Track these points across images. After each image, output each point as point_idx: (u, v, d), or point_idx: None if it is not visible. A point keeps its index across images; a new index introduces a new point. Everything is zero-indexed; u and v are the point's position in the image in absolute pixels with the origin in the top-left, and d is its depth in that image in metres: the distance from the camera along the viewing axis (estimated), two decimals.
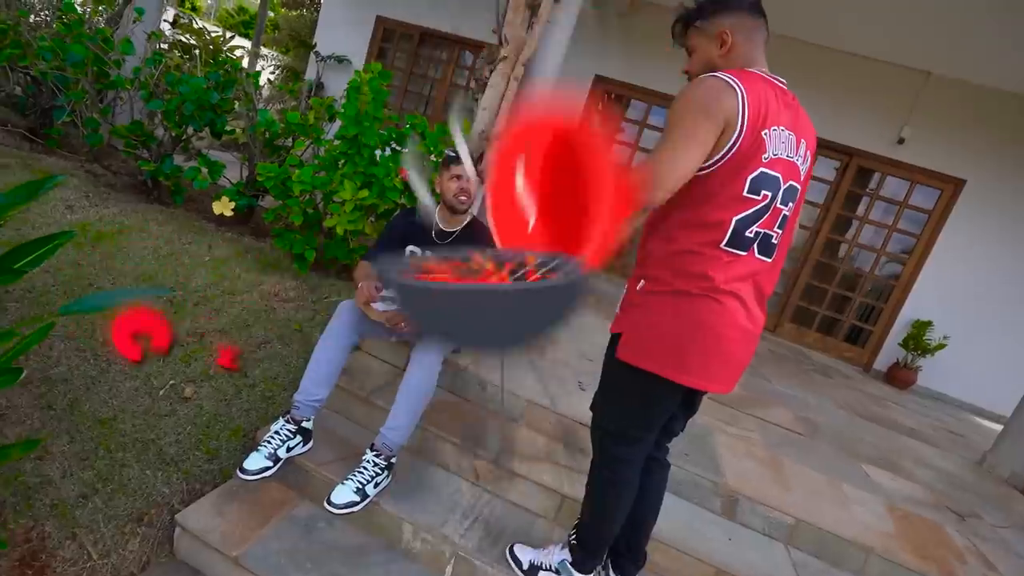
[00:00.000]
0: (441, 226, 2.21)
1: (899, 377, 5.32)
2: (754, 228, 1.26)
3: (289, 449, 1.85)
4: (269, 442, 1.81)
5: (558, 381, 2.61)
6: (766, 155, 1.22)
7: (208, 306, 2.62)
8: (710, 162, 1.21)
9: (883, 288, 5.59)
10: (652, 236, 1.33)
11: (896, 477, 2.80)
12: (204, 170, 3.00)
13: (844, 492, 2.42)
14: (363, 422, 2.22)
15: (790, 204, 1.31)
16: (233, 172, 3.56)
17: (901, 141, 5.10)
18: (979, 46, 4.33)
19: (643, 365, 1.32)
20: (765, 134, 1.20)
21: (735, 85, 1.18)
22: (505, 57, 3.35)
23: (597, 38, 5.75)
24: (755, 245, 1.27)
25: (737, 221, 1.24)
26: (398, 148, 3.04)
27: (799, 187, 1.33)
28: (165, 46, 4.52)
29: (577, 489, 2.02)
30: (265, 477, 1.76)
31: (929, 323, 5.26)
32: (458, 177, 2.09)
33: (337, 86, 6.66)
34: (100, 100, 3.36)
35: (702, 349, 1.28)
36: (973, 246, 5.17)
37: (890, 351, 5.49)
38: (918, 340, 5.21)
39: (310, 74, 6.77)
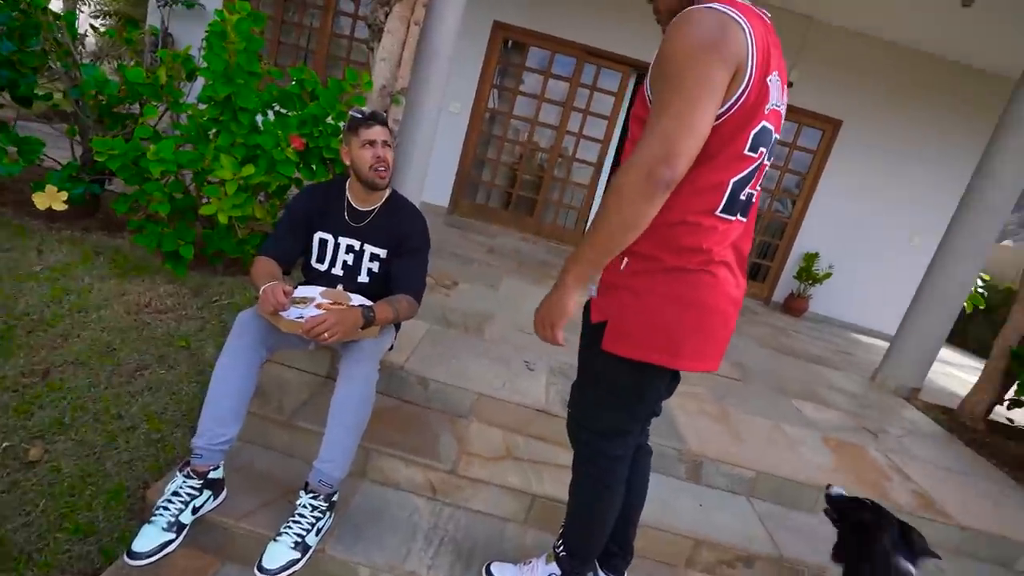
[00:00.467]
0: (355, 204, 1.82)
1: (794, 306, 5.83)
2: (747, 189, 1.11)
3: (196, 510, 1.46)
4: (166, 508, 1.40)
5: (502, 363, 2.39)
6: (768, 105, 1.05)
7: (50, 332, 2.02)
8: (718, 112, 1.00)
9: (777, 226, 5.99)
10: None
11: (819, 407, 3.01)
12: (12, 150, 2.25)
13: (787, 434, 2.52)
14: (286, 450, 1.85)
15: (771, 158, 1.17)
16: (60, 150, 2.77)
17: (790, 85, 5.33)
18: None
19: (636, 355, 1.15)
20: (770, 80, 1.03)
21: (741, 21, 0.97)
22: None
23: None
24: (740, 208, 1.13)
25: (734, 183, 1.08)
26: (283, 111, 2.50)
27: (778, 136, 1.18)
28: None
29: (546, 485, 1.86)
30: (168, 554, 1.36)
31: (816, 255, 5.76)
32: (371, 143, 1.71)
33: (190, 36, 5.55)
34: None
35: (697, 329, 1.14)
36: (851, 181, 5.66)
37: (785, 283, 5.97)
38: (808, 271, 5.70)
39: (152, 21, 5.57)
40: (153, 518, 1.39)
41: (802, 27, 5.24)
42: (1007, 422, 3.46)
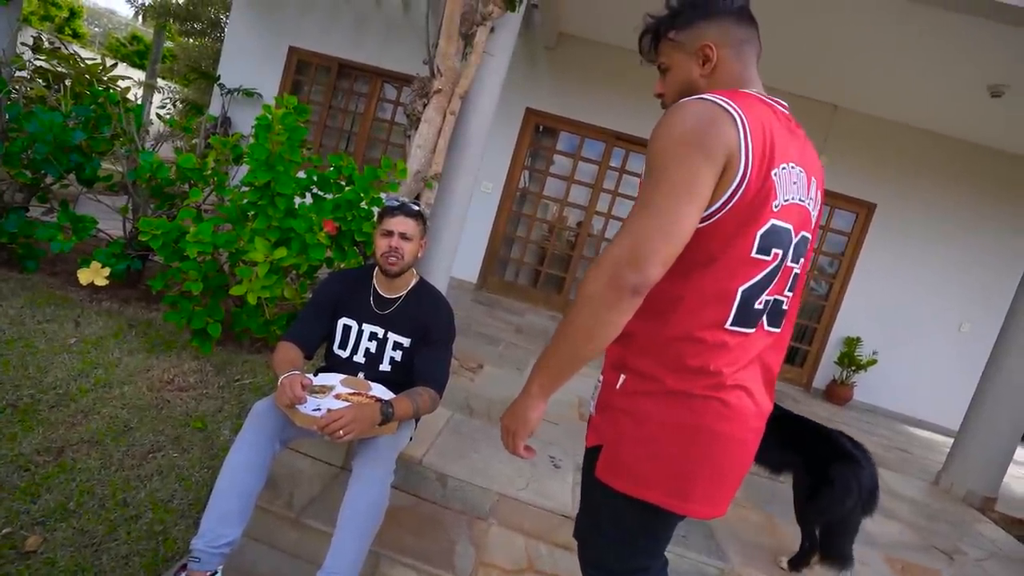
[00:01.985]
0: (381, 291, 1.81)
1: (838, 394, 5.48)
2: (763, 297, 0.97)
3: None
4: None
5: (526, 460, 2.24)
6: (777, 202, 0.93)
7: (72, 407, 2.00)
8: (708, 212, 0.91)
9: (815, 308, 5.78)
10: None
11: (880, 518, 2.69)
12: (67, 228, 2.37)
13: None
14: (293, 550, 1.72)
15: (801, 260, 1.03)
16: (115, 222, 2.92)
17: None
18: (881, 83, 4.63)
19: (632, 491, 0.99)
20: (775, 174, 0.92)
21: (732, 110, 0.88)
22: (440, 90, 3.04)
23: (526, 70, 5.65)
24: (764, 317, 0.99)
25: (744, 291, 0.94)
26: (320, 194, 2.60)
27: (810, 237, 1.05)
28: (23, 73, 3.77)
29: None
30: None
31: (858, 339, 5.48)
32: (389, 233, 1.72)
33: (246, 122, 6.03)
34: None
35: (706, 467, 0.97)
36: (890, 264, 5.49)
37: (826, 369, 5.66)
38: (851, 356, 5.40)
39: (214, 109, 6.09)
40: None
41: (827, 113, 5.33)
42: None
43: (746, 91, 0.99)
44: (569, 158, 5.90)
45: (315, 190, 2.59)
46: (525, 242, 6.10)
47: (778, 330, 1.04)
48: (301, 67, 6.19)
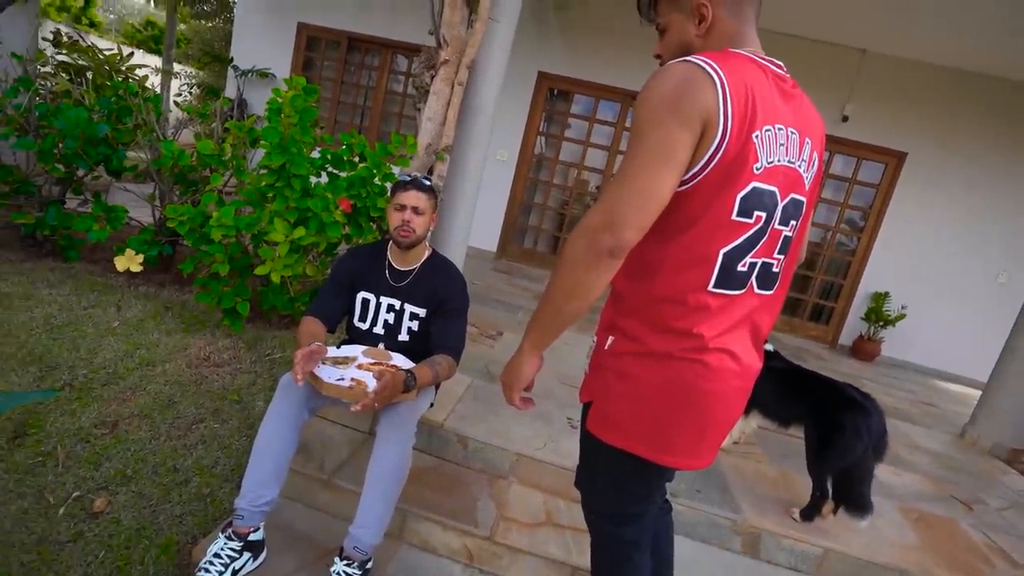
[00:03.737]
0: (395, 265, 1.88)
1: (864, 350, 5.40)
2: (747, 259, 0.98)
3: (235, 572, 1.48)
4: (207, 570, 1.43)
5: (544, 420, 2.33)
6: (759, 164, 0.93)
7: (121, 384, 2.17)
8: (688, 175, 0.92)
9: (840, 264, 5.65)
10: (622, 274, 1.01)
11: (897, 470, 2.72)
12: (101, 218, 2.51)
13: None
14: (327, 509, 1.86)
15: (793, 223, 1.03)
16: (145, 208, 3.05)
17: (845, 119, 5.13)
18: (910, 23, 4.36)
19: (618, 443, 1.05)
20: (756, 136, 0.91)
21: (713, 72, 0.88)
22: (447, 60, 3.02)
23: (535, 34, 5.51)
24: (752, 279, 1.01)
25: (725, 254, 0.96)
26: (335, 172, 2.66)
27: (804, 200, 1.05)
28: (47, 68, 3.89)
29: (586, 556, 1.75)
30: None
31: (886, 294, 5.36)
32: (401, 207, 1.77)
33: (261, 102, 6.09)
34: None
35: (687, 424, 1.03)
36: (920, 216, 5.29)
37: (852, 325, 5.57)
38: (879, 312, 5.29)
39: (230, 91, 6.17)
40: None
41: (855, 59, 5.06)
42: None
43: (738, 51, 0.98)
44: (584, 121, 5.80)
45: (329, 168, 2.65)
46: (543, 209, 6.09)
47: (770, 292, 1.06)
48: (311, 43, 6.17)
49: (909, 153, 5.23)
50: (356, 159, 2.64)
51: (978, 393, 3.86)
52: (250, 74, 6.06)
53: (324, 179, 2.62)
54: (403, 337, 1.87)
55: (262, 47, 6.10)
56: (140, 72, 4.05)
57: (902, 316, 5.26)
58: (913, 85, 5.08)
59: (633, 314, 1.03)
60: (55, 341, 2.27)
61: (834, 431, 1.88)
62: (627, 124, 5.68)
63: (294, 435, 1.59)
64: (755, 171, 0.94)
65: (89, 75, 3.68)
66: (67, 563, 1.60)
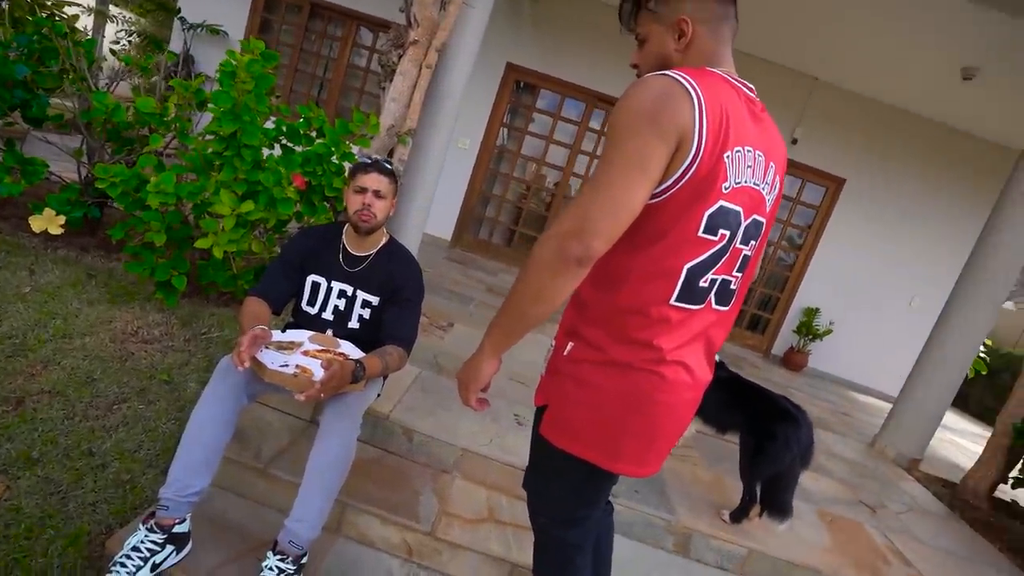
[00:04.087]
0: (350, 249, 1.80)
1: (794, 361, 5.76)
2: (709, 275, 1.01)
3: (155, 567, 1.38)
4: (123, 565, 1.32)
5: (491, 416, 2.33)
6: (727, 184, 0.95)
7: (30, 357, 1.97)
8: (660, 188, 0.93)
9: (779, 279, 5.98)
10: (587, 282, 1.01)
11: (816, 475, 2.91)
12: (15, 170, 2.25)
13: None
14: (261, 499, 1.77)
15: (752, 243, 1.07)
16: (67, 163, 2.77)
17: (794, 141, 5.41)
18: (859, 59, 4.65)
19: (570, 448, 1.07)
20: (727, 157, 0.93)
21: (691, 89, 0.89)
22: (416, 41, 2.93)
23: (509, 24, 5.45)
24: (712, 294, 1.04)
25: (689, 269, 0.98)
26: (289, 146, 2.52)
27: (764, 221, 1.08)
28: None
29: (527, 553, 1.77)
30: None
31: (817, 310, 5.73)
32: (362, 190, 1.70)
33: (210, 61, 5.68)
34: None
35: (639, 433, 1.05)
36: (851, 238, 5.68)
37: (785, 337, 5.92)
38: (809, 326, 5.66)
39: (175, 45, 5.71)
40: (110, 572, 1.31)
41: (807, 86, 5.34)
42: (1011, 502, 3.35)
43: (714, 70, 1.00)
44: (549, 117, 5.80)
45: (284, 141, 2.50)
46: (501, 201, 6.06)
47: (726, 308, 1.09)
48: (270, 5, 5.82)
49: (848, 179, 5.59)
50: (313, 134, 2.51)
51: (886, 405, 4.21)
52: (200, 29, 5.64)
53: (277, 152, 2.48)
54: (353, 324, 1.80)
55: (215, 1, 5.68)
56: (69, 11, 3.67)
57: (829, 331, 5.64)
58: (858, 116, 5.43)
59: (596, 323, 1.03)
60: None
61: (767, 439, 1.98)
62: (591, 124, 5.74)
63: (230, 421, 1.49)
64: (723, 190, 0.96)
65: (4, 5, 3.29)
66: None
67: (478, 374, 1.05)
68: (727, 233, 1.00)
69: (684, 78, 0.91)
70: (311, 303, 1.80)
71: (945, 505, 3.09)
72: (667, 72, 0.93)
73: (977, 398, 8.05)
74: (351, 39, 5.77)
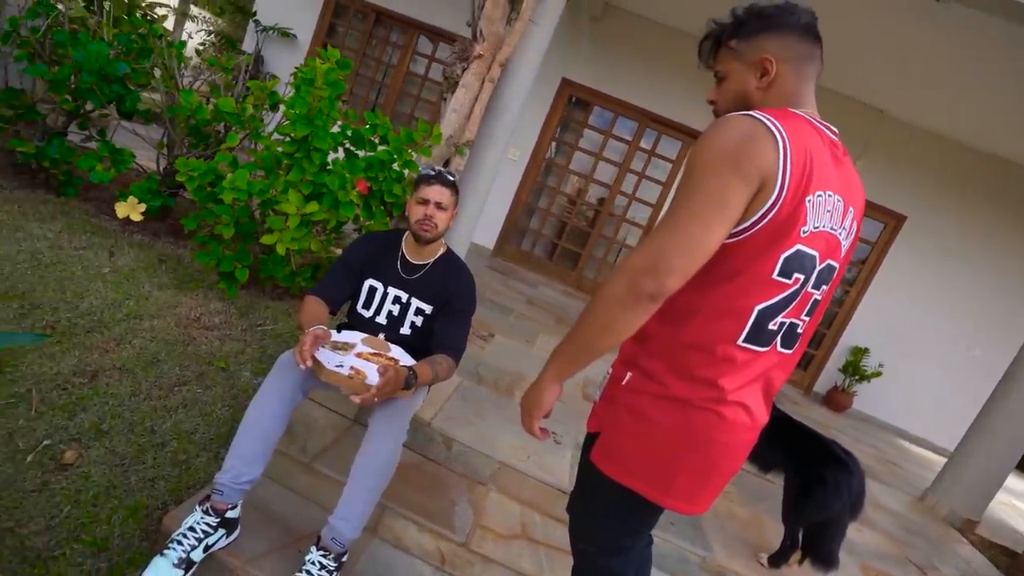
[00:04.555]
0: (409, 257, 1.85)
1: (837, 401, 5.52)
2: (779, 319, 0.99)
3: (208, 548, 1.44)
4: (179, 543, 1.39)
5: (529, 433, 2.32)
6: (806, 228, 0.94)
7: (105, 334, 2.10)
8: (738, 228, 0.93)
9: (828, 314, 5.76)
10: (653, 315, 0.99)
11: (859, 526, 2.78)
12: (106, 159, 2.42)
13: None
14: (305, 493, 1.83)
15: (824, 287, 1.05)
16: (146, 151, 2.95)
17: None
18: (929, 93, 4.47)
19: (621, 479, 1.06)
20: (808, 201, 0.92)
21: (776, 131, 0.89)
22: (481, 55, 2.99)
23: (567, 40, 5.49)
24: (778, 337, 1.02)
25: (760, 311, 0.97)
26: (353, 150, 2.61)
27: (837, 266, 1.06)
28: None
29: (558, 575, 1.76)
30: None
31: (866, 350, 5.48)
32: (425, 201, 1.75)
33: (279, 61, 5.97)
34: None
35: (693, 470, 1.04)
36: (908, 279, 5.42)
37: (829, 375, 5.69)
38: (856, 366, 5.42)
39: (248, 45, 6.02)
40: (165, 551, 1.38)
41: (873, 119, 5.16)
42: None
43: (797, 111, 0.99)
44: (600, 134, 5.81)
45: (347, 145, 2.60)
46: (545, 214, 6.08)
47: (790, 351, 1.07)
48: (339, 10, 6.06)
49: (909, 216, 5.36)
50: (376, 140, 2.59)
51: (937, 458, 3.97)
52: (271, 31, 5.92)
53: (340, 155, 2.57)
54: (405, 331, 1.84)
55: (288, 6, 5.97)
56: (160, 11, 3.93)
57: (878, 373, 5.39)
58: (923, 153, 5.21)
59: (658, 356, 1.03)
60: (41, 279, 2.19)
61: (815, 484, 1.91)
62: (641, 144, 5.70)
63: (285, 416, 1.55)
64: (802, 234, 0.94)
65: (107, 5, 3.55)
66: (30, 513, 1.54)
67: (541, 401, 1.06)
68: (801, 277, 0.98)
69: (769, 120, 0.91)
70: (367, 306, 1.85)
71: (1003, 574, 2.89)
72: (751, 113, 0.93)
73: None
74: (411, 46, 5.95)
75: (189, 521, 1.44)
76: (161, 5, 4.13)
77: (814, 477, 1.93)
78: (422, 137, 2.49)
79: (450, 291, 1.82)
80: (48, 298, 2.12)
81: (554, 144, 5.96)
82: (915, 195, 5.29)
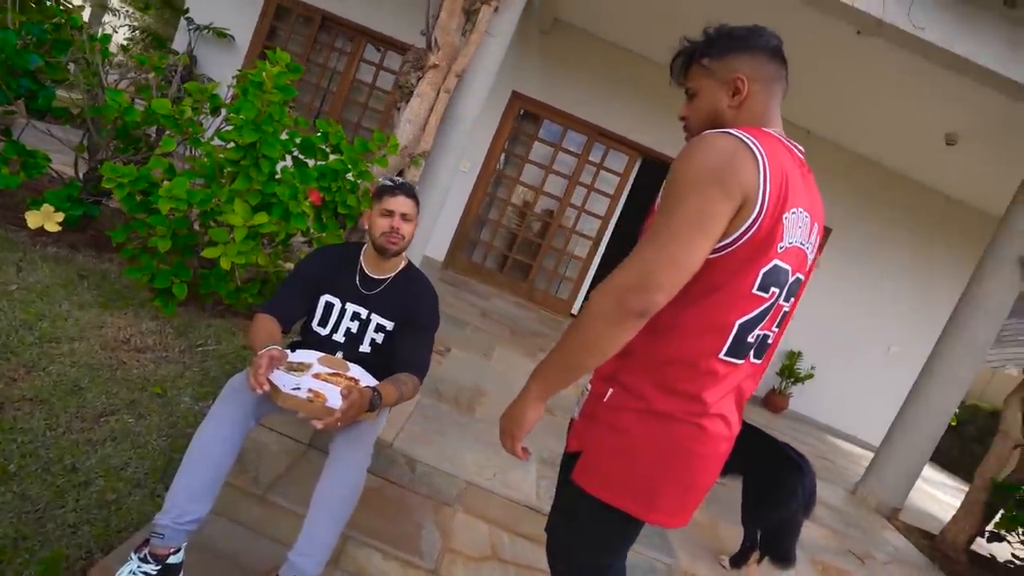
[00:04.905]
0: (368, 272, 1.77)
1: (775, 402, 5.84)
2: (756, 331, 1.02)
3: None
4: None
5: (493, 448, 2.28)
6: (782, 244, 0.97)
7: (13, 361, 1.85)
8: (720, 244, 0.95)
9: None
10: None
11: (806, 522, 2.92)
12: (13, 161, 2.16)
13: None
14: (258, 527, 1.68)
15: (792, 300, 1.09)
16: (61, 154, 2.66)
17: None
18: (850, 119, 4.88)
19: (605, 496, 1.05)
20: (785, 218, 0.96)
21: (755, 150, 0.91)
22: (436, 65, 2.95)
23: (517, 52, 5.55)
24: (752, 349, 1.05)
25: (740, 325, 0.99)
26: (301, 159, 2.48)
27: (803, 278, 1.11)
28: None
29: None
30: None
31: (799, 353, 5.85)
32: (390, 213, 1.68)
33: (213, 64, 5.63)
34: None
35: (676, 483, 1.05)
36: (835, 286, 5.85)
37: (768, 378, 6.00)
38: (791, 369, 5.76)
39: (179, 44, 5.64)
40: None
41: (799, 137, 5.55)
42: (989, 556, 3.41)
43: (768, 130, 1.02)
44: (549, 147, 5.89)
45: (296, 154, 2.46)
46: (496, 226, 6.08)
47: (760, 362, 1.10)
48: (280, 13, 5.82)
49: (834, 229, 5.79)
50: (328, 149, 2.48)
51: (865, 452, 4.27)
52: (205, 31, 5.59)
53: (288, 164, 2.44)
54: (364, 348, 1.75)
55: (224, 4, 5.66)
56: (75, 1, 3.59)
57: (810, 375, 5.75)
58: (847, 172, 5.67)
59: (639, 371, 1.03)
60: None
61: (772, 488, 1.98)
62: (590, 157, 5.84)
63: (236, 444, 1.42)
64: (779, 250, 0.97)
65: None
66: None
67: (524, 420, 1.03)
68: (776, 291, 1.01)
69: (749, 139, 0.93)
70: (323, 323, 1.74)
71: (926, 556, 3.12)
72: (730, 131, 0.95)
73: (944, 449, 8.27)
74: (359, 54, 5.80)
75: (123, 572, 1.28)
76: None
77: (771, 480, 2.01)
78: (377, 147, 2.40)
79: (412, 307, 1.75)
80: None
81: (503, 156, 5.98)
82: (840, 210, 5.73)
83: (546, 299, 6.04)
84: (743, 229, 0.93)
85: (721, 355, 0.99)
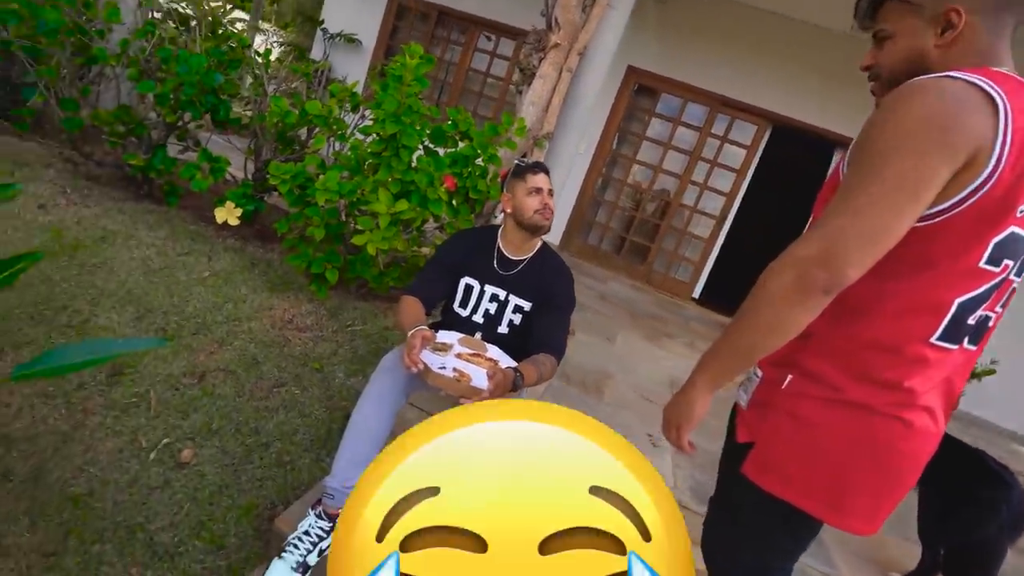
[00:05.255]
0: (506, 253, 1.78)
1: None
2: (978, 312, 0.84)
3: (322, 551, 1.44)
4: (296, 547, 1.39)
5: (625, 432, 2.20)
6: (1023, 207, 0.79)
7: (209, 336, 2.17)
8: (934, 210, 0.78)
9: None
10: None
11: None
12: (204, 167, 2.52)
13: None
14: None
15: (1022, 274, 0.88)
16: (236, 160, 3.07)
17: None
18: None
19: (783, 494, 0.93)
20: None
21: (995, 93, 0.74)
22: (558, 44, 2.89)
23: (631, 24, 5.26)
24: (969, 334, 0.86)
25: (960, 304, 0.82)
26: (432, 147, 2.58)
27: None
28: (158, 15, 3.97)
29: None
30: None
31: None
32: (538, 190, 1.68)
33: (343, 68, 6.12)
34: (80, 77, 2.85)
35: (873, 485, 0.90)
36: None
37: None
38: None
39: (316, 53, 6.21)
40: (284, 554, 1.38)
41: None
42: None
43: (1001, 70, 0.82)
44: (668, 121, 5.56)
45: (427, 143, 2.57)
46: (612, 207, 5.91)
47: (975, 348, 0.91)
48: (401, 12, 6.13)
49: None
50: (457, 136, 2.55)
51: None
52: (338, 38, 6.08)
53: (420, 153, 2.55)
54: (502, 329, 1.78)
55: (352, 12, 6.10)
56: (237, 26, 4.09)
57: (991, 371, 4.84)
58: None
59: (826, 356, 0.90)
60: (151, 284, 2.30)
61: (963, 503, 1.68)
62: (713, 130, 5.41)
63: (391, 419, 1.53)
64: (1018, 214, 0.79)
65: (194, 24, 3.74)
66: (155, 509, 1.60)
67: (691, 413, 0.95)
68: (1010, 264, 0.83)
69: (983, 81, 0.75)
70: (463, 305, 1.80)
71: None
72: (955, 75, 0.77)
73: None
74: (472, 44, 5.93)
75: (304, 525, 1.44)
76: (237, 20, 4.31)
77: (962, 493, 1.71)
78: (506, 131, 2.42)
79: (549, 287, 1.74)
80: (158, 303, 2.22)
81: (617, 135, 5.77)
82: None
83: (665, 282, 5.77)
84: (970, 190, 0.76)
85: (933, 339, 0.84)
